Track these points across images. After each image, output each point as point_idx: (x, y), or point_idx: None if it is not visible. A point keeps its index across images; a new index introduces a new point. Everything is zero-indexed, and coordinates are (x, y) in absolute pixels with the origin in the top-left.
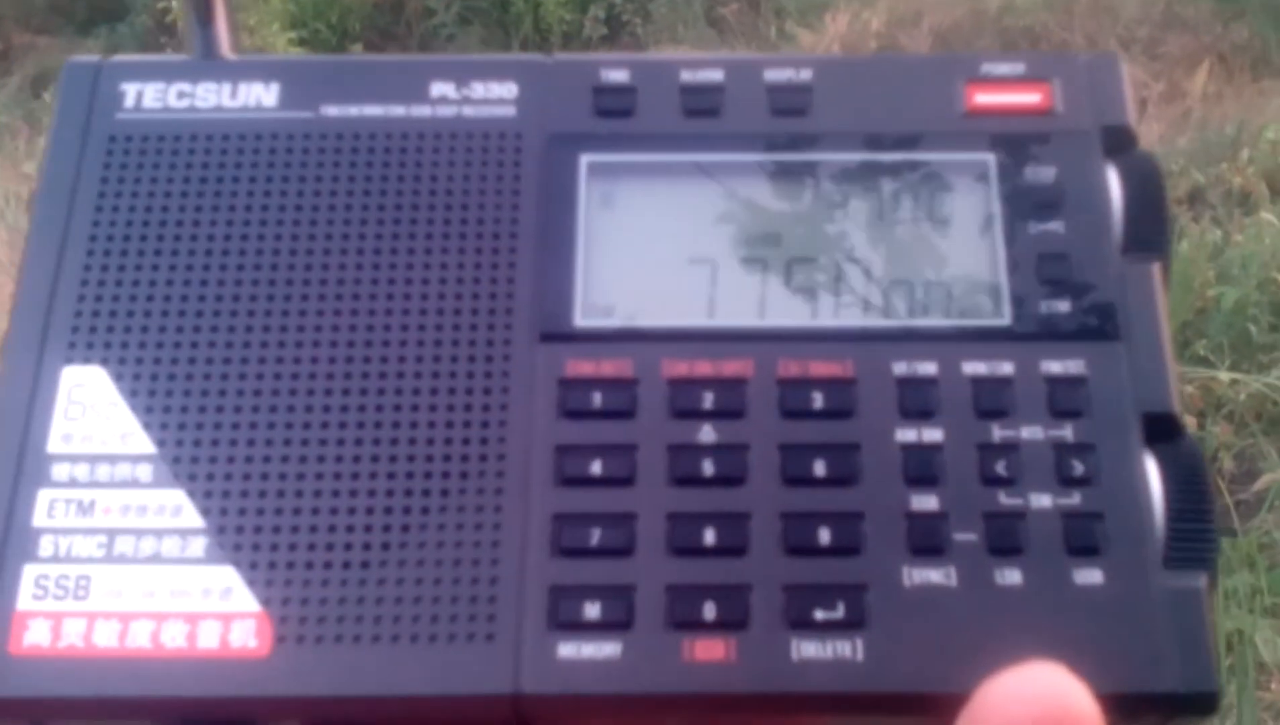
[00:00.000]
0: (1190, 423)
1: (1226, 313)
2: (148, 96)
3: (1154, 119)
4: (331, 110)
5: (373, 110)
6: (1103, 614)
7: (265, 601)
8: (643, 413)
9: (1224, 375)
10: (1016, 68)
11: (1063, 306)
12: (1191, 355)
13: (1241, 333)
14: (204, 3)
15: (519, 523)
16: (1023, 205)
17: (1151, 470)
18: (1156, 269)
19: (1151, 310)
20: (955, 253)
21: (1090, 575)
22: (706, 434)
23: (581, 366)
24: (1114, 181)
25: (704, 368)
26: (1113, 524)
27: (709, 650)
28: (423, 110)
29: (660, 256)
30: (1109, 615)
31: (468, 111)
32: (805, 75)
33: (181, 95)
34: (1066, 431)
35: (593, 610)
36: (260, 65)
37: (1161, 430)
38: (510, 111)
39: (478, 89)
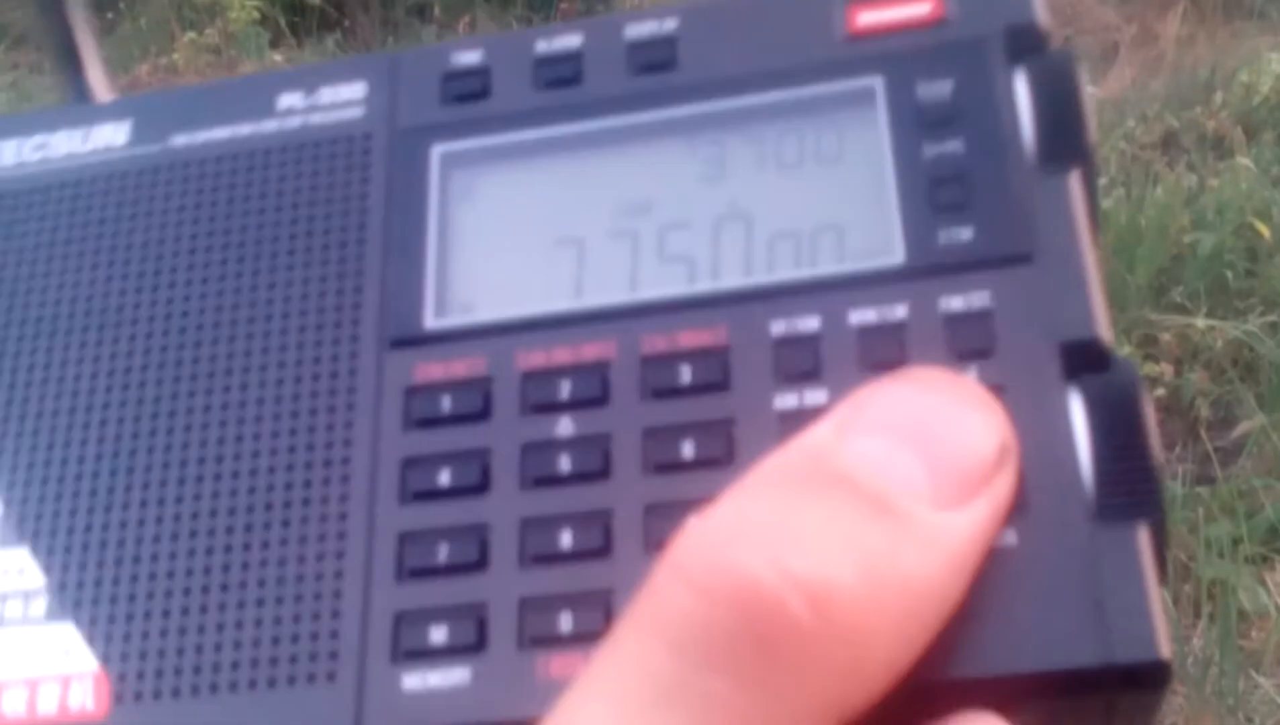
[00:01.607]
0: (1167, 370)
1: (1202, 259)
2: (7, 154)
3: (1126, 63)
4: (180, 140)
5: (220, 133)
6: (1022, 581)
7: (104, 658)
8: (497, 412)
9: (1201, 322)
10: None
11: (964, 234)
12: (1168, 303)
13: (1218, 279)
14: (69, 48)
15: (362, 548)
16: (915, 128)
17: (1076, 408)
18: (1074, 177)
19: (1069, 224)
20: (843, 194)
21: (1004, 538)
22: (564, 427)
23: (430, 370)
24: (1021, 87)
25: (562, 355)
26: (1032, 475)
27: (568, 665)
28: (269, 125)
29: (523, 243)
30: (1029, 582)
31: (315, 119)
32: (670, 26)
33: (38, 147)
34: (971, 375)
35: (439, 635)
36: (120, 105)
37: (1085, 361)
38: (358, 112)
39: (325, 95)
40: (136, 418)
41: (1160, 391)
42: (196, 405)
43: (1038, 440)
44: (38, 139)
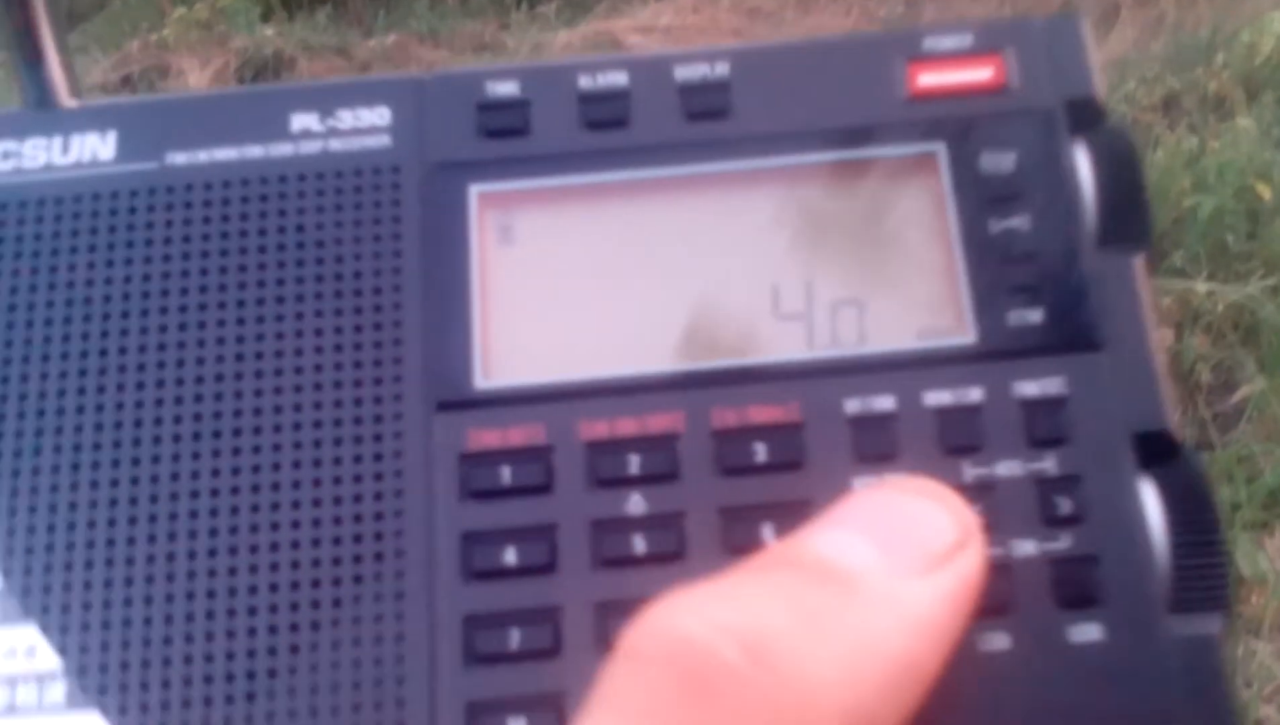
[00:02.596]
0: (1167, 335)
1: (1203, 222)
2: None
3: (1127, 24)
4: (178, 158)
5: (225, 153)
6: (1105, 676)
7: None
8: (560, 485)
9: (1201, 286)
10: (963, 41)
11: (1034, 316)
12: (1168, 267)
13: (1218, 242)
14: (31, 43)
15: (425, 630)
16: (980, 200)
17: (1149, 498)
18: (1138, 262)
19: (1135, 312)
20: (907, 263)
21: (1087, 631)
22: (635, 504)
23: (485, 437)
24: (1083, 163)
25: (627, 425)
26: (1109, 567)
27: None
28: (283, 148)
29: (570, 297)
30: (1113, 677)
31: (335, 145)
32: (721, 70)
33: (6, 156)
34: (1048, 463)
35: None
36: (98, 112)
37: (1156, 450)
38: (384, 141)
39: (345, 118)
40: (153, 477)
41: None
42: (223, 466)
43: (1116, 532)
44: (4, 145)
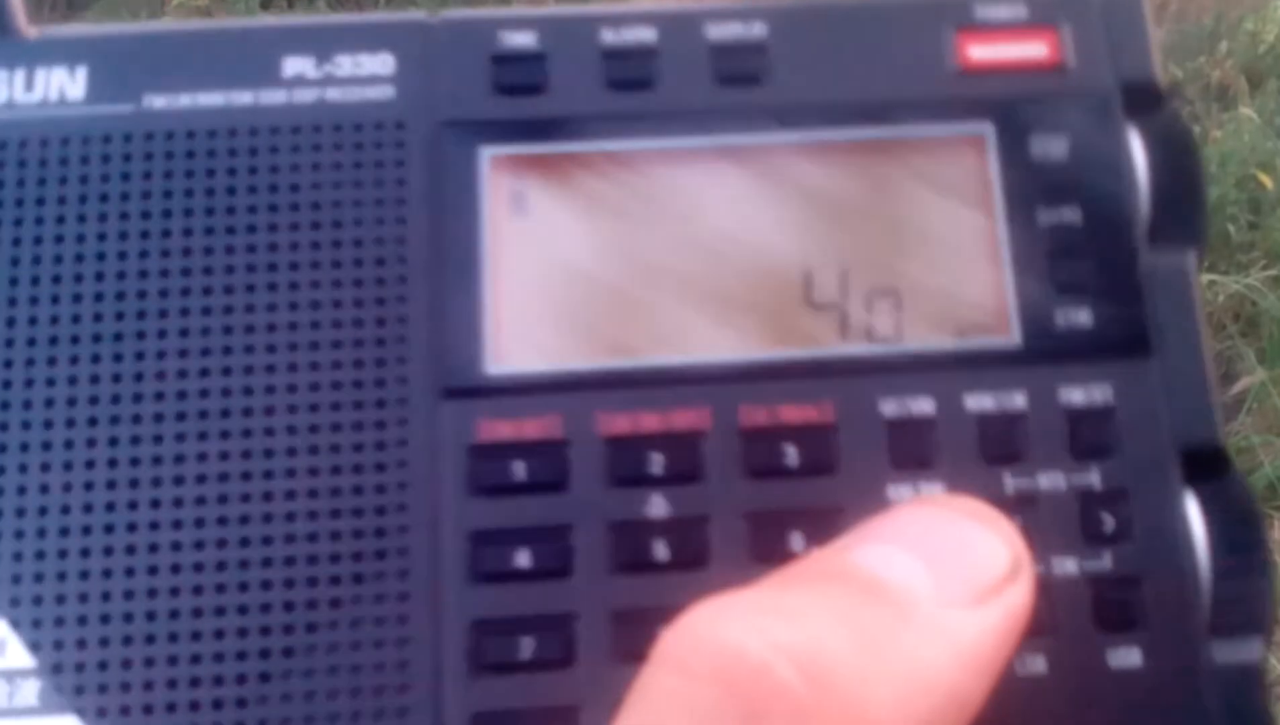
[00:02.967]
0: None
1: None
2: None
3: None
4: (157, 101)
5: (210, 98)
6: (1143, 705)
7: None
8: (576, 483)
9: (1203, 277)
10: (1017, 11)
11: (1082, 317)
12: None
13: (1220, 232)
14: None
15: (429, 635)
16: (1029, 188)
17: (1194, 517)
18: (1192, 260)
19: (1189, 315)
20: (949, 253)
21: (1128, 656)
22: (657, 506)
23: (497, 428)
24: (1138, 152)
25: (650, 421)
26: (1152, 589)
27: None
28: (275, 96)
29: (589, 276)
30: (1151, 706)
31: (333, 95)
32: (758, 30)
33: None
34: (1093, 477)
35: None
36: (64, 44)
37: (1205, 467)
38: (387, 92)
39: (344, 64)
40: (132, 460)
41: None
42: (210, 450)
43: (1160, 552)
44: None
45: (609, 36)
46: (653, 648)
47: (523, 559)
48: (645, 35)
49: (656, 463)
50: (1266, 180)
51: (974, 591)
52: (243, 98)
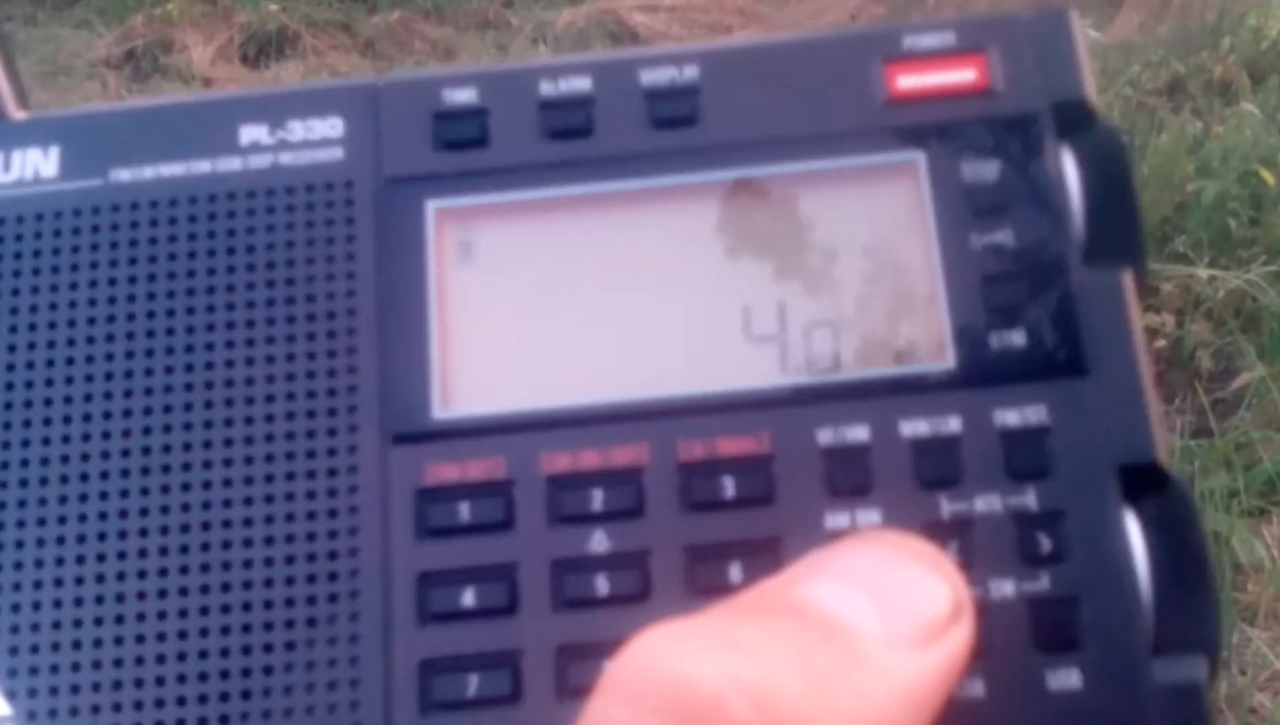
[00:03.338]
0: (1168, 321)
1: (1206, 208)
2: None
3: (1132, 7)
4: (123, 174)
5: (171, 169)
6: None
7: None
8: (521, 521)
9: (1203, 272)
10: (945, 39)
11: (1016, 339)
12: (1170, 252)
13: (1221, 228)
14: None
15: (379, 677)
16: (962, 213)
17: (1133, 534)
18: (1128, 279)
19: (1124, 333)
20: (883, 282)
21: (1068, 677)
22: (598, 542)
23: (444, 471)
24: (1070, 171)
25: (590, 458)
26: (1090, 609)
27: None
28: (231, 163)
29: (533, 320)
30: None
31: (285, 159)
32: (690, 74)
33: None
34: (1029, 498)
35: None
36: (43, 125)
37: (1143, 483)
38: (336, 154)
39: (296, 130)
40: (98, 525)
41: (1161, 343)
42: (172, 503)
43: (1099, 571)
44: None
45: (546, 88)
46: (599, 679)
47: (469, 598)
48: (581, 85)
49: (597, 499)
50: (1268, 176)
51: (920, 633)
52: (201, 166)
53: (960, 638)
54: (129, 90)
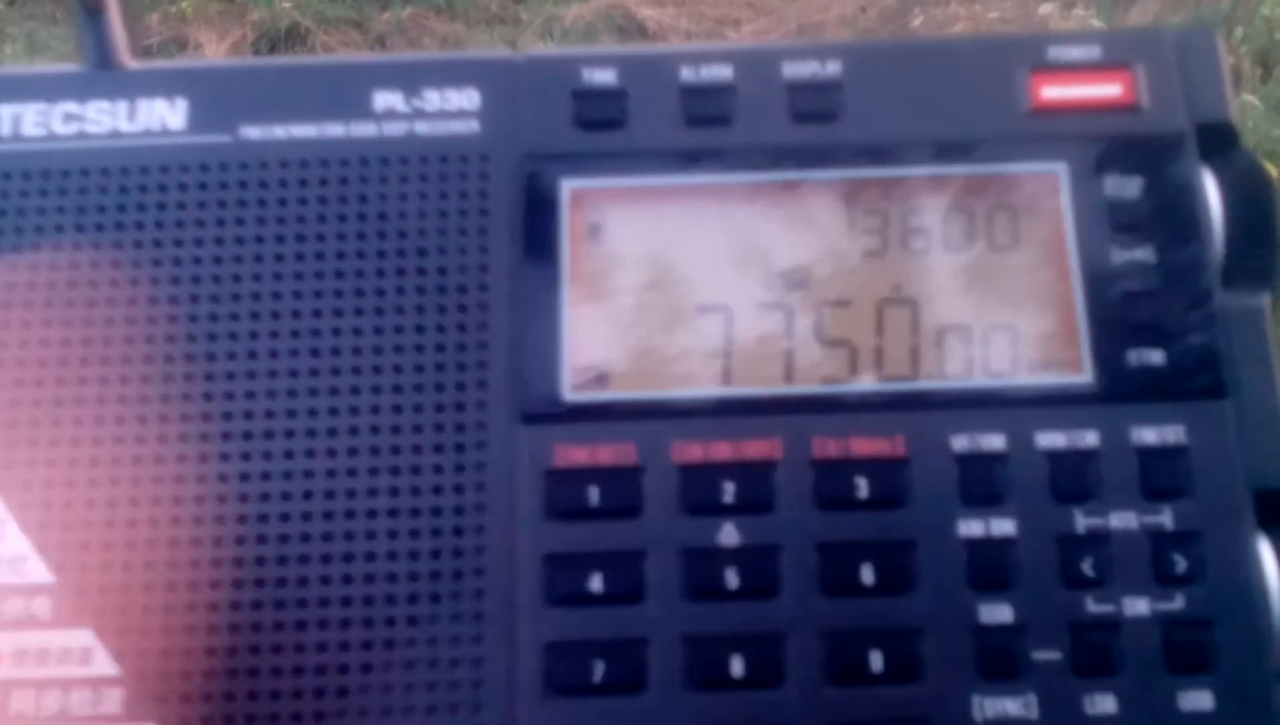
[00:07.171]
0: None
1: None
2: (28, 122)
3: None
4: (253, 132)
5: (304, 130)
6: None
7: None
8: (650, 509)
9: None
10: (1090, 51)
11: (1155, 357)
12: None
13: None
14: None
15: (504, 656)
16: (1103, 227)
17: (1267, 558)
18: (1265, 301)
19: (1262, 357)
20: (1022, 291)
21: (1199, 699)
22: (728, 535)
23: (573, 453)
24: (1212, 193)
25: (722, 450)
26: (1224, 632)
27: None
28: (366, 128)
29: (664, 305)
30: None
31: (421, 128)
32: (833, 69)
33: (69, 119)
34: (1165, 517)
35: None
36: (164, 75)
37: (1278, 508)
38: (473, 127)
39: (432, 99)
40: (220, 476)
41: None
42: (295, 468)
43: (1233, 594)
44: (66, 107)
45: (687, 74)
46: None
47: (596, 583)
48: (723, 73)
49: (729, 491)
50: (1272, 169)
51: None
52: (334, 130)
53: None
54: None
